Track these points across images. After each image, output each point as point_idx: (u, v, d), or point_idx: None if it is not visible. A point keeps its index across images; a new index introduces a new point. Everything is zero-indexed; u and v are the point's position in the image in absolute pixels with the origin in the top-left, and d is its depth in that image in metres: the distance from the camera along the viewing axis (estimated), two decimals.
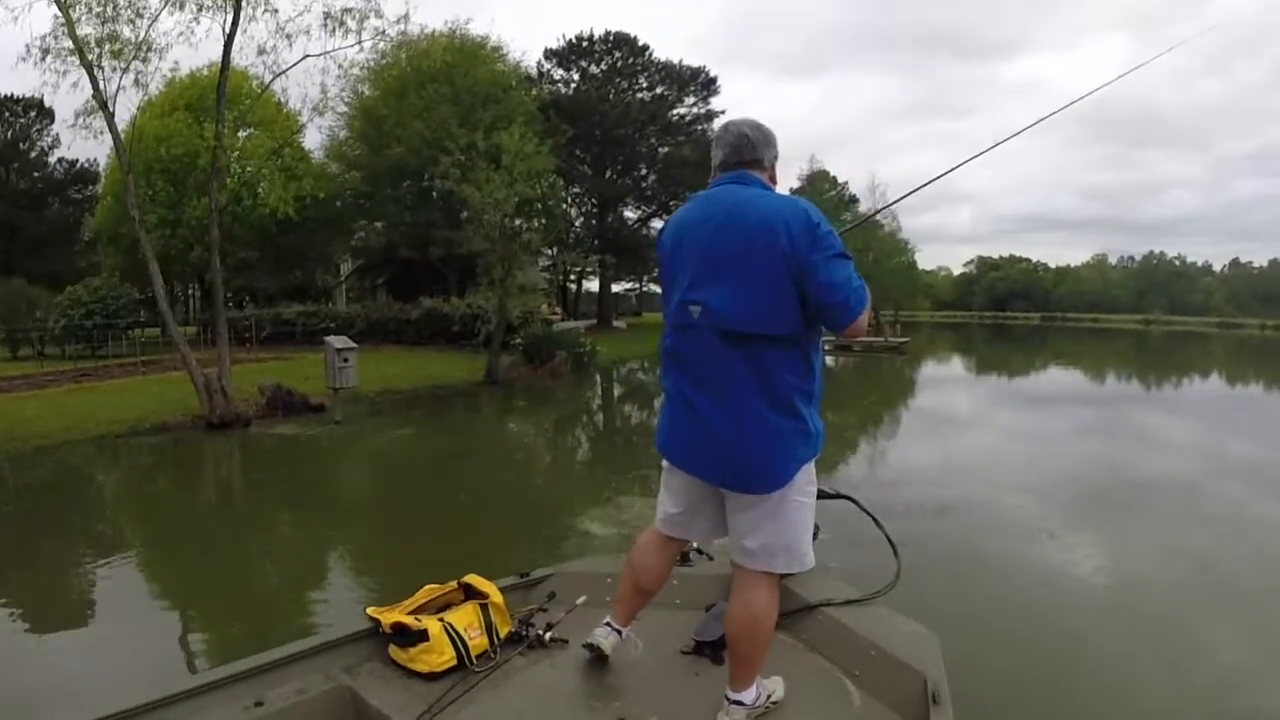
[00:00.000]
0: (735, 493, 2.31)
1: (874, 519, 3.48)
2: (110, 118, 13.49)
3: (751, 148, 2.33)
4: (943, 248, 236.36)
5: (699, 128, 45.03)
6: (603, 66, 42.41)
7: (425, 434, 15.12)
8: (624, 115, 40.25)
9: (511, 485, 10.66)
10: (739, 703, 2.38)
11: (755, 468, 2.23)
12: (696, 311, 2.21)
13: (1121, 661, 4.93)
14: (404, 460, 12.70)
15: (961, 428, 16.06)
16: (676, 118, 44.33)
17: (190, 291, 39.94)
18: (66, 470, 11.27)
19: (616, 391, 24.55)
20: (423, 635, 2.58)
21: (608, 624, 2.63)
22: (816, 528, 3.18)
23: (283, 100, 23.68)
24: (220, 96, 14.02)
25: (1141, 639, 5.35)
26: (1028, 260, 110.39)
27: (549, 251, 35.88)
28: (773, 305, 2.14)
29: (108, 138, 13.85)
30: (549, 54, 42.48)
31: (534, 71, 39.73)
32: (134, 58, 13.53)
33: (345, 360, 13.48)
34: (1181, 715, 4.51)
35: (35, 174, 40.71)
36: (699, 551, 3.54)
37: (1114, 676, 4.73)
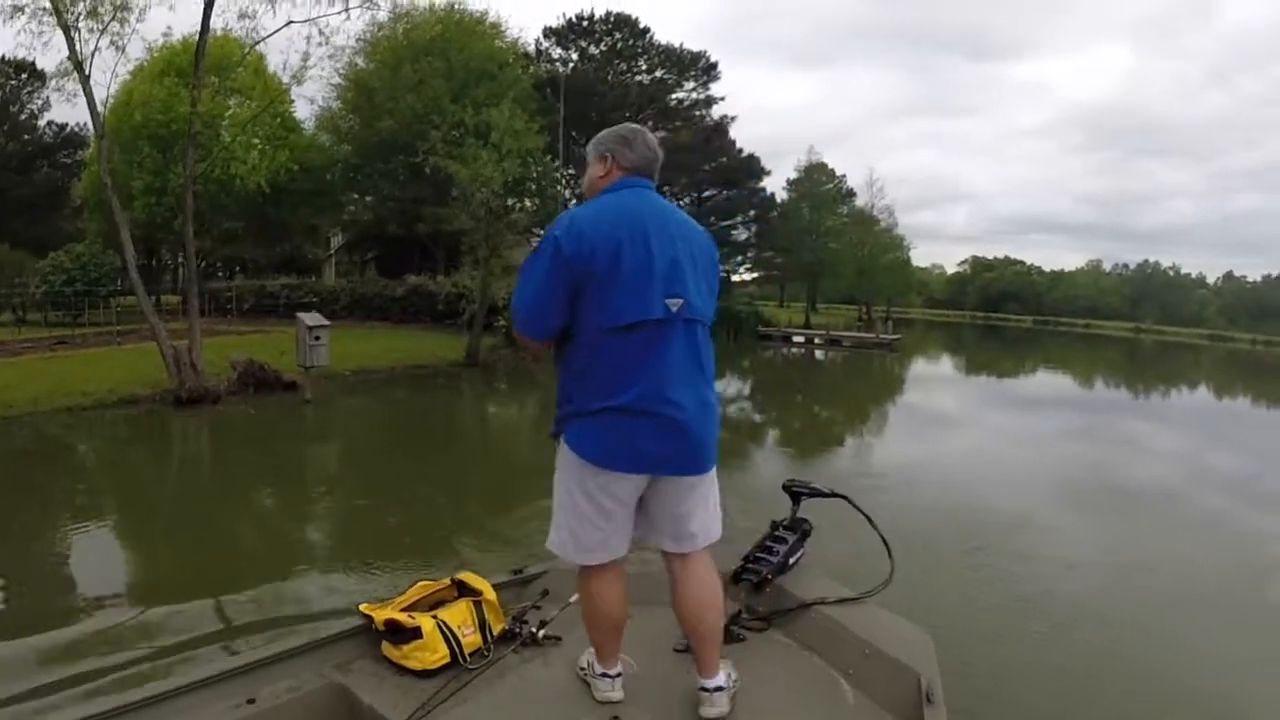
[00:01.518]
0: (685, 477, 2.38)
1: (867, 518, 3.47)
2: (85, 80, 13.16)
3: (658, 165, 2.47)
4: (937, 246, 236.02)
5: (698, 113, 44.65)
6: (602, 47, 41.90)
7: (395, 418, 14.82)
8: (622, 98, 39.77)
9: (473, 482, 10.21)
10: (719, 688, 2.46)
11: (708, 445, 2.38)
12: (677, 305, 2.28)
13: None
14: (367, 446, 12.33)
15: (950, 433, 15.86)
16: (675, 102, 43.91)
17: (179, 260, 39.44)
18: (25, 442, 10.99)
19: None
20: (416, 632, 2.58)
21: (604, 675, 2.55)
22: (809, 525, 3.54)
23: (269, 67, 23.19)
24: (198, 60, 13.67)
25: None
26: (1022, 262, 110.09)
27: (540, 232, 35.42)
28: (712, 301, 2.42)
29: (85, 101, 13.50)
30: (548, 32, 42.02)
31: (532, 50, 39.31)
32: (111, 19, 13.18)
33: (317, 338, 13.12)
34: None
35: (25, 137, 40.03)
36: None
37: None
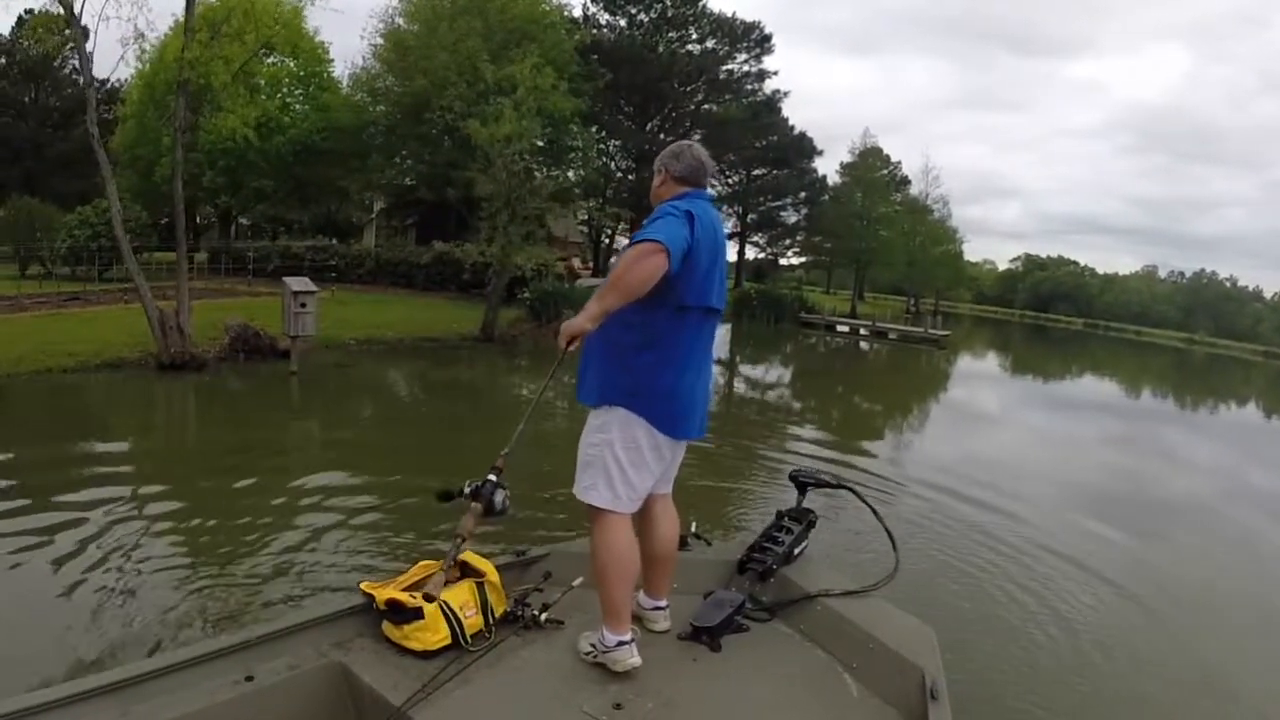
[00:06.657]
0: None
1: (874, 510, 3.60)
2: (72, 17, 12.49)
3: (705, 172, 2.81)
4: (986, 241, 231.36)
5: (749, 86, 43.11)
6: (653, 14, 40.27)
7: (386, 404, 12.93)
8: (669, 67, 38.33)
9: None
10: (667, 606, 2.97)
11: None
12: (721, 302, 2.81)
13: None
14: (339, 437, 10.02)
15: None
16: (726, 74, 42.34)
17: (217, 217, 39.17)
18: None
19: None
20: (418, 613, 2.56)
21: (621, 643, 2.59)
22: (815, 515, 3.65)
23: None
24: (189, 4, 12.86)
25: None
26: (1075, 263, 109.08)
27: (586, 204, 34.62)
28: None
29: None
30: None
31: (579, 14, 37.93)
32: None
33: (303, 305, 11.96)
34: None
35: (67, 91, 39.88)
36: (697, 536, 3.61)
37: None
